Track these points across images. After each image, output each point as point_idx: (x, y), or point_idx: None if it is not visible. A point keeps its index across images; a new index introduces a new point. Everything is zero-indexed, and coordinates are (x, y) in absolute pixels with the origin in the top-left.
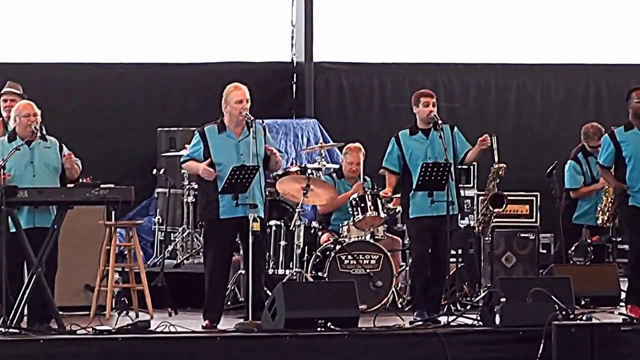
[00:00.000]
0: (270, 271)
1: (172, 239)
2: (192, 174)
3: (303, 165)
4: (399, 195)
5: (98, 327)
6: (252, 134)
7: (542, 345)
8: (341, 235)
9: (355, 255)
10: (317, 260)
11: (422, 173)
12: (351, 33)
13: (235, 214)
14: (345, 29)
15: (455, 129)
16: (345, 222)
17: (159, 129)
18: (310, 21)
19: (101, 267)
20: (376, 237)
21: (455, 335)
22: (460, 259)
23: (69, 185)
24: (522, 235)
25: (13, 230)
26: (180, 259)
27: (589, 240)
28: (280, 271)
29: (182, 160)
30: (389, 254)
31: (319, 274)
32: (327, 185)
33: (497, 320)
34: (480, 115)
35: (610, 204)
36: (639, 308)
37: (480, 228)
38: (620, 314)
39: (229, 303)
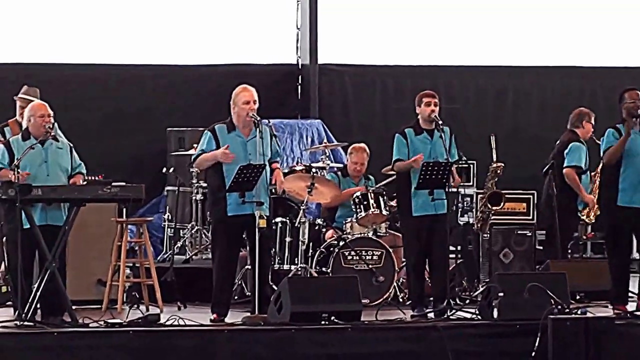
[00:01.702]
0: (276, 267)
1: (181, 235)
2: (201, 172)
3: (308, 164)
4: None
5: (110, 320)
6: (259, 134)
7: (538, 339)
8: (344, 232)
9: (358, 251)
10: (322, 256)
11: (422, 172)
12: (354, 36)
13: (242, 211)
14: (348, 32)
15: (453, 135)
16: (349, 219)
17: (168, 129)
18: (314, 24)
19: (113, 262)
20: (378, 233)
21: (455, 328)
22: (459, 255)
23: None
24: (519, 232)
25: (27, 226)
26: (189, 254)
27: (584, 237)
28: (286, 266)
29: (193, 157)
30: (390, 250)
31: (323, 269)
32: (331, 184)
33: (495, 314)
34: (479, 115)
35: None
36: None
37: (479, 225)
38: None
39: (236, 297)
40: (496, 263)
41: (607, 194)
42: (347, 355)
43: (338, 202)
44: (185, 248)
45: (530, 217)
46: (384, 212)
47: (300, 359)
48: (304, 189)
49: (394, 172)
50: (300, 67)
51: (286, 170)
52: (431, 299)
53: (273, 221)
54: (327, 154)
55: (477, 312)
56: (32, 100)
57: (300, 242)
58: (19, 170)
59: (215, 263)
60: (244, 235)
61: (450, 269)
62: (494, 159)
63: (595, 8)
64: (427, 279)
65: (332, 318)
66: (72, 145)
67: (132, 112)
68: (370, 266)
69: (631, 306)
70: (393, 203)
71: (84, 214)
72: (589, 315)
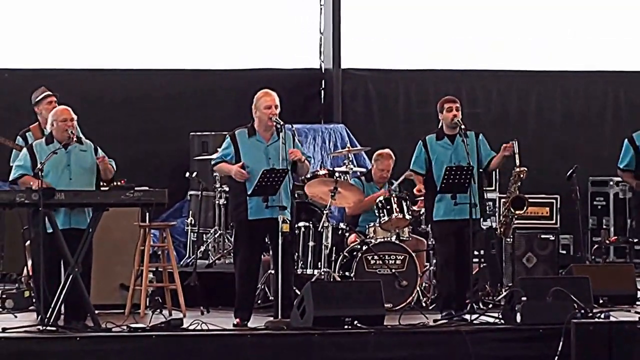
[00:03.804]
0: (299, 271)
1: (204, 239)
2: (223, 176)
3: (331, 169)
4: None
5: (132, 325)
6: (281, 139)
7: (561, 343)
8: (368, 236)
9: (381, 256)
10: (345, 260)
11: (445, 176)
12: (377, 41)
13: (264, 215)
14: (371, 36)
15: (481, 136)
16: (372, 224)
17: (191, 133)
18: (338, 29)
19: (136, 266)
20: (401, 238)
21: (478, 332)
22: (482, 260)
23: (103, 188)
24: (542, 236)
25: (50, 231)
26: (212, 259)
27: (607, 241)
28: (309, 271)
29: (213, 162)
30: (413, 254)
31: (347, 273)
32: (354, 188)
33: (518, 318)
34: (501, 120)
35: None
36: None
37: (502, 229)
38: (637, 312)
39: (259, 302)
40: (519, 267)
41: (637, 199)
42: (370, 359)
43: (361, 209)
44: (208, 252)
45: (554, 222)
46: (407, 217)
47: None
48: (327, 194)
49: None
50: (323, 71)
51: (309, 175)
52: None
53: (296, 225)
54: (351, 159)
55: (500, 316)
56: (57, 96)
57: (323, 247)
58: (42, 173)
59: (238, 267)
60: (266, 240)
61: (473, 273)
62: (517, 163)
63: (618, 13)
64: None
65: (355, 322)
66: (95, 145)
67: (155, 117)
68: (393, 270)
69: None
70: (416, 207)
71: (107, 218)
72: (612, 319)
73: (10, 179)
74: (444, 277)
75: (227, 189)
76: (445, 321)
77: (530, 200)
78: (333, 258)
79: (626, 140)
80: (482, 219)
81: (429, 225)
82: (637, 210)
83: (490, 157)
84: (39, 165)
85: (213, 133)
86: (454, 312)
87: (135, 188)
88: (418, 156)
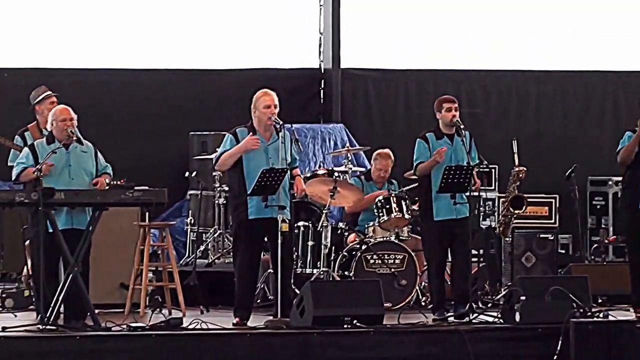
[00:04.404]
0: (299, 270)
1: (203, 239)
2: (223, 176)
3: (330, 168)
4: None
5: (132, 324)
6: (281, 139)
7: (560, 342)
8: (367, 236)
9: (380, 255)
10: (344, 259)
11: (445, 176)
12: (377, 41)
13: (264, 214)
14: (371, 36)
15: (473, 140)
16: (371, 223)
17: (191, 133)
18: (337, 29)
19: (135, 266)
20: (401, 237)
21: (477, 332)
22: (481, 259)
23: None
24: (541, 235)
25: (50, 230)
26: (211, 258)
27: (606, 241)
28: (308, 270)
29: (217, 155)
30: (413, 253)
31: (346, 273)
32: (354, 187)
33: (517, 317)
34: (501, 120)
35: None
36: None
37: (501, 229)
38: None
39: (258, 301)
40: (518, 266)
41: (627, 196)
42: (369, 359)
43: (361, 207)
44: (207, 252)
45: (553, 221)
46: (406, 216)
47: None
48: (327, 193)
49: (416, 177)
50: (323, 71)
51: (308, 175)
52: (452, 302)
53: (295, 225)
54: (350, 158)
55: (499, 315)
56: (53, 95)
57: (322, 246)
58: (41, 172)
59: (237, 267)
60: (265, 239)
61: (472, 272)
62: (516, 163)
63: (618, 13)
64: (448, 283)
65: (355, 322)
66: (96, 149)
67: (155, 116)
68: (392, 270)
69: None
70: (415, 207)
71: (107, 217)
72: (611, 318)
73: (14, 177)
74: (438, 280)
75: (227, 188)
76: (442, 321)
77: (529, 199)
78: (332, 257)
79: (630, 132)
80: (480, 218)
81: (422, 226)
82: (628, 212)
83: (474, 164)
84: (38, 165)
85: (213, 133)
86: (446, 312)
87: (135, 187)
88: (422, 150)
